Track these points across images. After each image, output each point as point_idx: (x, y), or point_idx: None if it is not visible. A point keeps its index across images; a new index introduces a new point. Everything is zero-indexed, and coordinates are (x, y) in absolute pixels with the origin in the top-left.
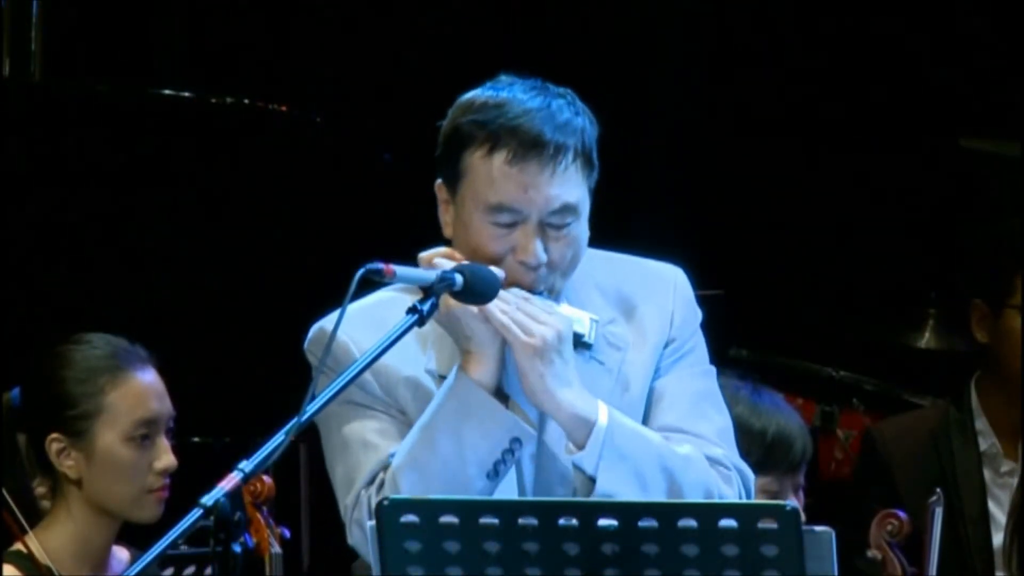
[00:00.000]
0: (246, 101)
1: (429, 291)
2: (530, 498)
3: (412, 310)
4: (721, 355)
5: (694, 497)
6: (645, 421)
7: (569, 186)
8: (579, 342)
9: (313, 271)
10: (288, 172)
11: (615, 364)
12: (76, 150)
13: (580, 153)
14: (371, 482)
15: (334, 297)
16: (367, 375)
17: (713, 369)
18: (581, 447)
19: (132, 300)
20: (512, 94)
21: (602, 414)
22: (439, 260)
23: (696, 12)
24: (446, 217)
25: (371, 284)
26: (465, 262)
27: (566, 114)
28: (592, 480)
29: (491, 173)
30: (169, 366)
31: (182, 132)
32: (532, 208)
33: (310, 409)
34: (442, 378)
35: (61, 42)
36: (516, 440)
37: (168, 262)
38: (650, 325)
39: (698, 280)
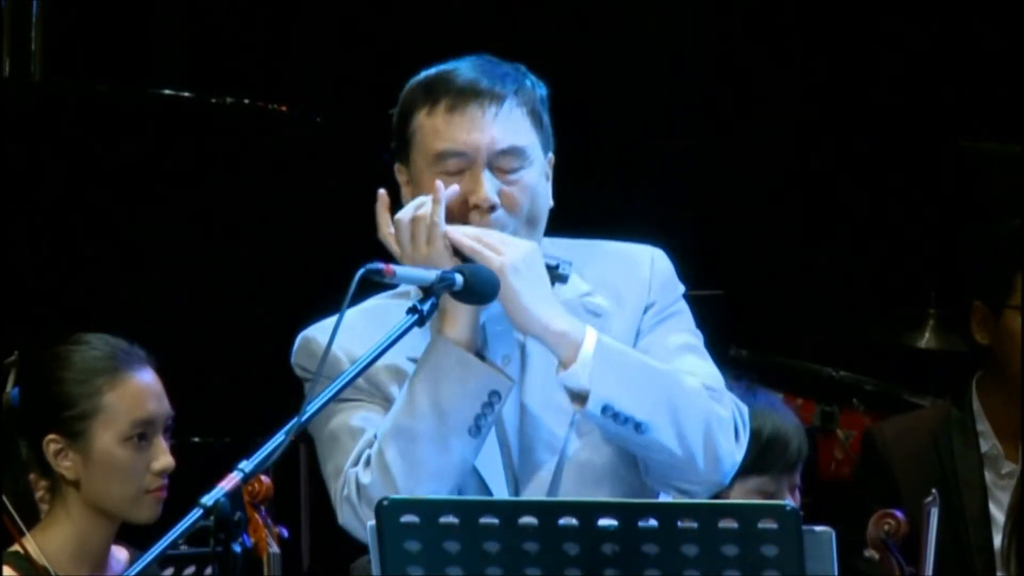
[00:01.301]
0: (246, 101)
1: (429, 291)
2: (530, 498)
3: (412, 310)
4: (721, 355)
5: (690, 409)
6: None
7: (513, 129)
8: (554, 273)
9: (313, 271)
10: (288, 172)
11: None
12: (76, 150)
13: (524, 103)
14: (357, 461)
15: (334, 297)
16: (348, 366)
17: (700, 333)
18: (569, 363)
19: (132, 300)
20: (454, 64)
21: (589, 331)
22: (383, 204)
23: (697, 11)
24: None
25: (371, 284)
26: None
27: (505, 70)
28: (580, 397)
29: (435, 125)
30: (169, 366)
31: (182, 132)
32: (477, 149)
33: (310, 409)
34: None
35: (61, 42)
36: (495, 393)
37: (168, 262)
38: (628, 293)
39: (698, 280)
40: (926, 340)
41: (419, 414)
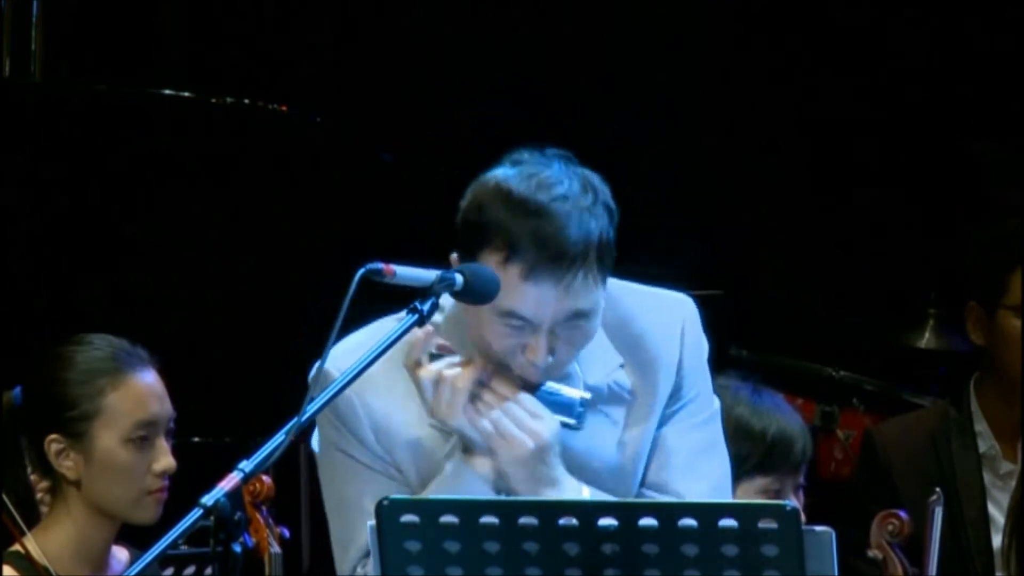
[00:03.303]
0: (246, 101)
1: (429, 291)
2: (530, 498)
3: (412, 310)
4: (721, 355)
5: None
6: (645, 470)
7: (583, 295)
8: (570, 426)
9: (313, 271)
10: (288, 172)
11: (620, 417)
12: (76, 150)
13: (597, 258)
14: (367, 555)
15: (334, 297)
16: (368, 432)
17: (716, 410)
18: None
19: (133, 300)
20: (534, 192)
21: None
22: (419, 339)
23: (697, 12)
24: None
25: (371, 284)
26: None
27: (586, 222)
28: None
29: (507, 280)
30: (170, 366)
31: (182, 132)
32: (544, 319)
33: (310, 409)
34: (442, 432)
35: (61, 42)
36: None
37: (168, 262)
38: (657, 374)
39: (698, 280)
40: (926, 340)
41: None
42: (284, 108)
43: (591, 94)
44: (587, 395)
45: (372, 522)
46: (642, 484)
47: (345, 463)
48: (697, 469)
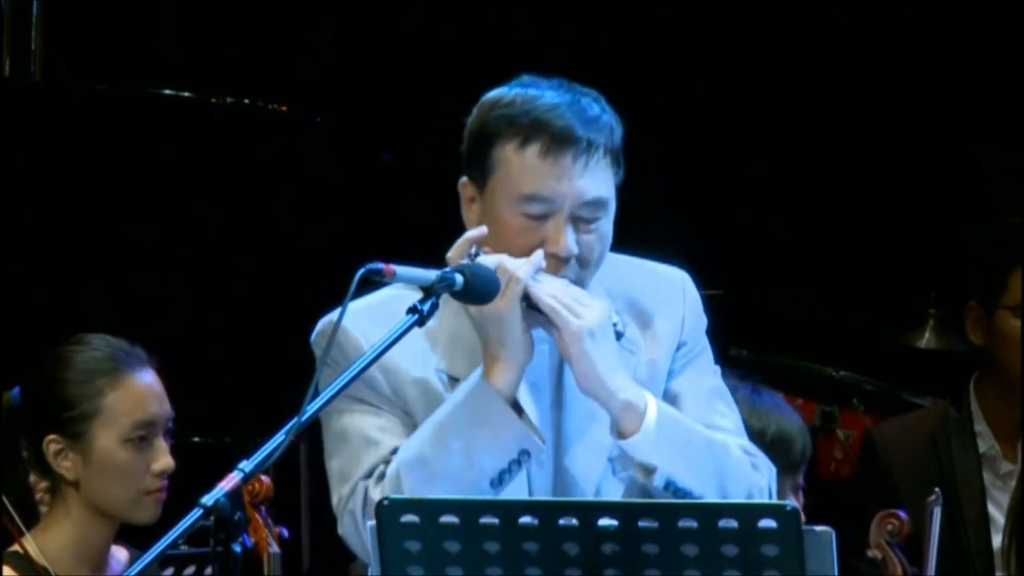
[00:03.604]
0: (246, 101)
1: (429, 291)
2: (530, 498)
3: (412, 310)
4: (721, 355)
5: (736, 480)
6: None
7: (600, 180)
8: (615, 331)
9: (313, 271)
10: (288, 172)
11: (630, 368)
12: (76, 150)
13: (609, 150)
14: (369, 475)
15: (334, 297)
16: (377, 373)
17: (719, 368)
18: (631, 433)
19: (132, 300)
20: (540, 91)
21: (650, 401)
22: (471, 236)
23: (697, 13)
24: (470, 215)
25: (371, 284)
26: (486, 250)
27: (595, 110)
28: (644, 468)
29: (524, 164)
30: (169, 366)
31: (182, 132)
32: (565, 199)
33: (310, 409)
34: (453, 379)
35: (61, 42)
36: (524, 452)
37: (168, 262)
38: (662, 330)
39: (698, 280)
40: (926, 340)
41: (447, 453)
42: (284, 108)
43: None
44: (617, 317)
45: (372, 522)
46: None
47: (352, 407)
48: (719, 409)
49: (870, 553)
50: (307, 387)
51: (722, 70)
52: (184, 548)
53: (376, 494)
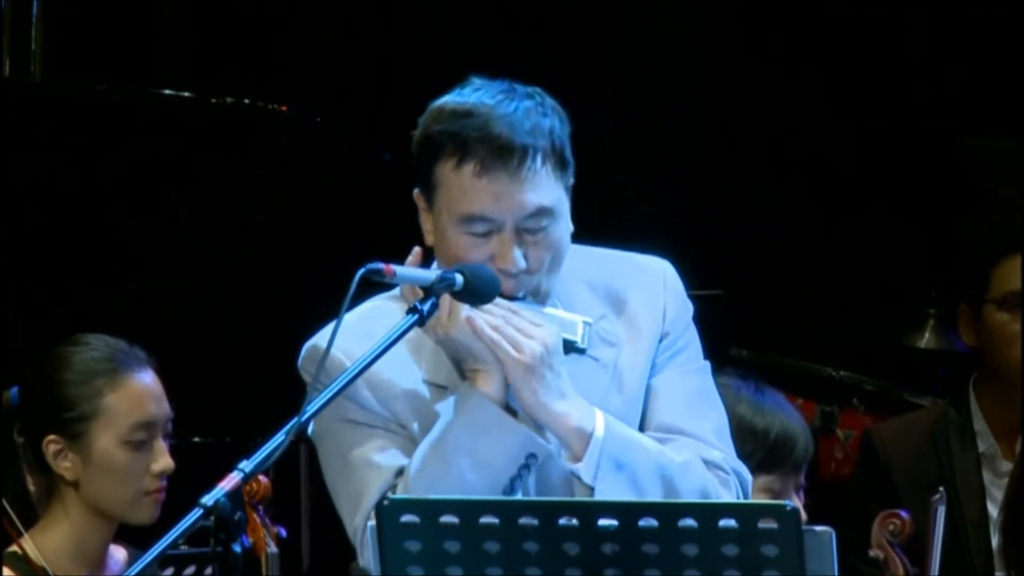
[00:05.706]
0: (246, 101)
1: (429, 291)
2: (530, 498)
3: (412, 310)
4: (721, 355)
5: (684, 480)
6: (643, 418)
7: (541, 190)
8: (571, 348)
9: (313, 271)
10: (288, 172)
11: (610, 360)
12: (76, 150)
13: (551, 154)
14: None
15: (334, 297)
16: (364, 390)
17: (707, 364)
18: (579, 458)
19: (132, 300)
20: (479, 99)
21: (599, 424)
22: (411, 262)
23: (695, 16)
24: (427, 225)
25: (371, 284)
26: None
27: (533, 117)
28: (590, 489)
29: (462, 184)
30: (169, 367)
31: (182, 132)
32: (505, 215)
33: (310, 409)
34: (439, 387)
35: (61, 42)
36: (532, 456)
37: (167, 262)
38: (643, 320)
39: (698, 280)
40: (926, 340)
41: (452, 469)
42: (284, 108)
43: (591, 93)
44: (588, 319)
45: (372, 522)
46: (645, 428)
47: (346, 430)
48: (698, 410)
49: (872, 553)
50: (307, 388)
51: (722, 70)
52: (184, 548)
53: None
